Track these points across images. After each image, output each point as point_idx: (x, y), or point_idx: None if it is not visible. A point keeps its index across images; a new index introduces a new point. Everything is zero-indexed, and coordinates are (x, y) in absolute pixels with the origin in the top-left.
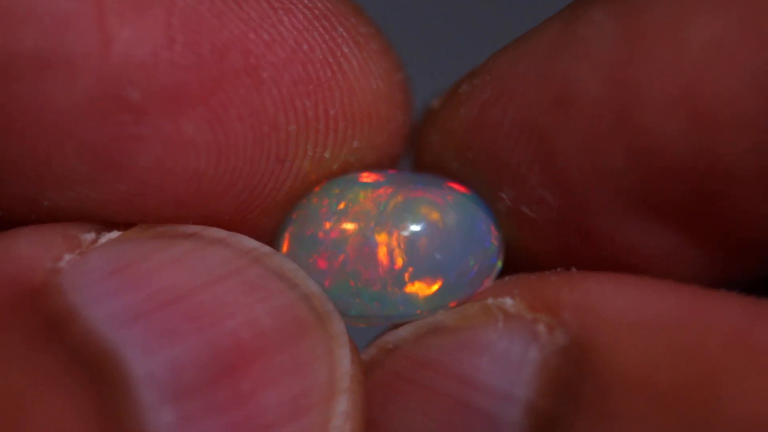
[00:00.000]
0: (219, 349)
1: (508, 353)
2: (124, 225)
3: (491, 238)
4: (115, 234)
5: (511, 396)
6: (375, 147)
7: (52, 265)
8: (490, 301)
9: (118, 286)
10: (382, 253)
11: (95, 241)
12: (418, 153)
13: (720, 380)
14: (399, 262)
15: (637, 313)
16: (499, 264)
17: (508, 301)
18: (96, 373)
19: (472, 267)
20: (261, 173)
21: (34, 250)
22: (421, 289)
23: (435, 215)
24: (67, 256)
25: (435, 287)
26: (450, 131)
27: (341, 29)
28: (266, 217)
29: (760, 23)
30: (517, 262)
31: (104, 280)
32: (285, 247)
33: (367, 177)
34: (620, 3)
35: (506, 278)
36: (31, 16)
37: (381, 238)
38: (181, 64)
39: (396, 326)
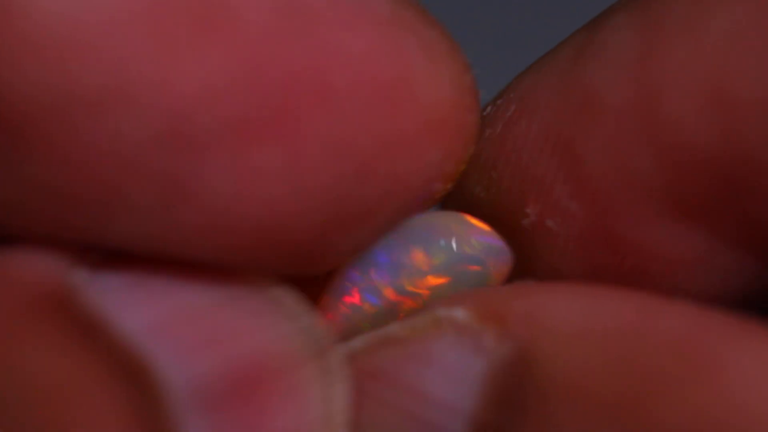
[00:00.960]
0: (234, 368)
1: (455, 365)
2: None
3: None
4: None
5: (456, 408)
6: (451, 156)
7: (66, 276)
8: (440, 312)
9: (142, 299)
10: None
11: (103, 257)
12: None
13: (655, 391)
14: None
15: (581, 324)
16: None
17: (457, 313)
18: (129, 380)
19: None
20: (338, 192)
21: (43, 261)
22: None
23: None
24: (81, 269)
25: None
26: (474, 154)
27: (409, 37)
28: (346, 236)
29: None
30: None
31: (126, 292)
32: None
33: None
34: (641, 5)
35: (461, 291)
36: (93, 52)
37: None
38: (250, 94)
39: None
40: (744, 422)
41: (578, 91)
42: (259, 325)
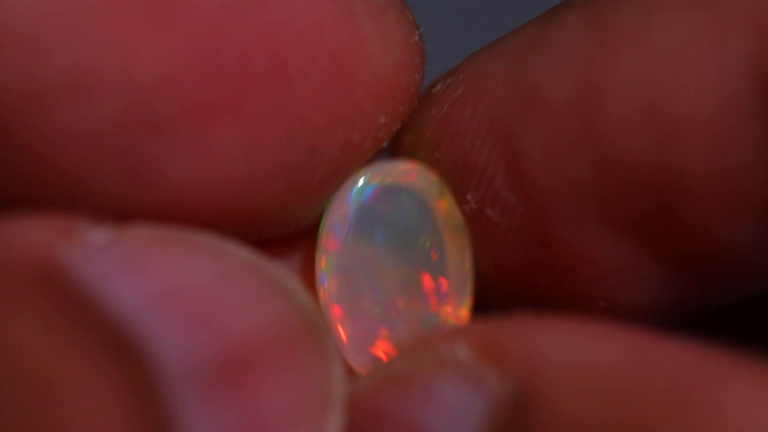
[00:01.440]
0: (227, 347)
1: (457, 403)
2: (113, 220)
3: None
4: (107, 230)
5: None
6: (398, 114)
7: (56, 252)
8: (442, 349)
9: (135, 276)
10: None
11: (90, 235)
12: (393, 156)
13: (652, 429)
14: None
15: (580, 365)
16: None
17: (459, 351)
18: (122, 356)
19: None
20: (293, 167)
21: (32, 236)
22: None
23: None
24: (70, 246)
25: None
26: (420, 131)
27: (359, 5)
28: (303, 205)
29: (727, 23)
30: (479, 271)
31: (118, 270)
32: None
33: None
34: (593, 5)
35: (461, 326)
36: (56, 43)
37: None
38: (206, 77)
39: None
40: None
41: (524, 84)
42: (256, 303)
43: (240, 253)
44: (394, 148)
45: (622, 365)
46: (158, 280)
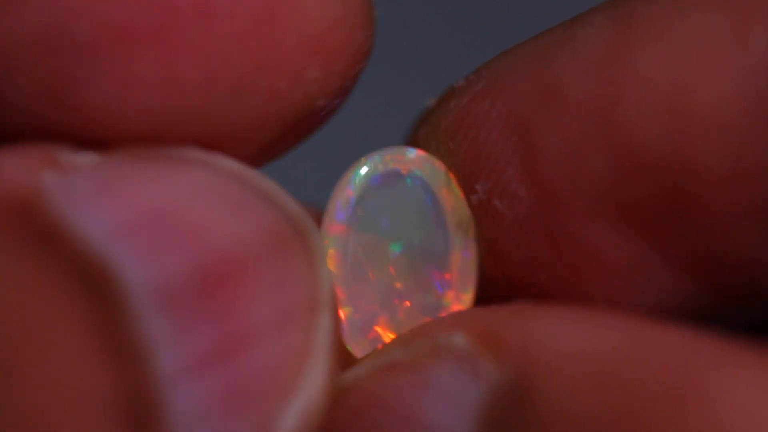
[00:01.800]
0: (204, 264)
1: (454, 391)
2: (98, 146)
3: None
4: (92, 156)
5: None
6: (334, 73)
7: (36, 183)
8: (439, 337)
9: (106, 203)
10: None
11: (73, 162)
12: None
13: (646, 418)
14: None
15: (575, 352)
16: None
17: (456, 339)
18: (91, 286)
19: None
20: (215, 108)
21: (15, 169)
22: None
23: None
24: (50, 175)
25: None
26: (437, 123)
27: None
28: (226, 151)
29: (751, 23)
30: (481, 264)
31: (91, 197)
32: None
33: None
34: (619, 5)
35: (459, 312)
36: None
37: None
38: (129, 6)
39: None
40: None
41: (544, 79)
42: (241, 213)
43: (228, 165)
44: (409, 139)
45: (618, 353)
46: (131, 204)
